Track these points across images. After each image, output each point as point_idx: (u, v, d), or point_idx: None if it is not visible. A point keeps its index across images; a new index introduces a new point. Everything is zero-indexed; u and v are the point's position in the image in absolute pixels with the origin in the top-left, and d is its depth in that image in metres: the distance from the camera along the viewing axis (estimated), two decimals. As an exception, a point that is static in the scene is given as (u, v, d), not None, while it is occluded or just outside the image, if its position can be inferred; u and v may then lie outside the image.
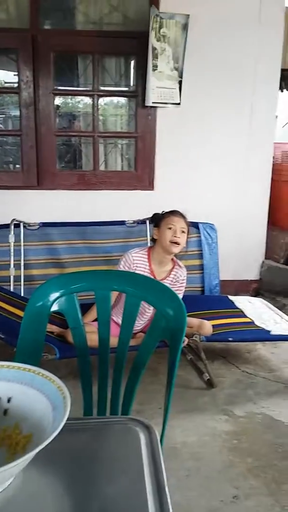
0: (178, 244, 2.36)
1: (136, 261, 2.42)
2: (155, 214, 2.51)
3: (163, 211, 2.49)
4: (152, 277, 2.44)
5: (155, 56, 3.23)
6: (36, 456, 0.67)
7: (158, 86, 3.31)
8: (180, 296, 2.52)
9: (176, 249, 2.38)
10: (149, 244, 3.18)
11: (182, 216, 2.43)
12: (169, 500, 0.68)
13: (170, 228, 2.36)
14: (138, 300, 1.31)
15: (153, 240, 2.50)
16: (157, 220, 2.45)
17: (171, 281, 2.49)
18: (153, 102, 3.34)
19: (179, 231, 2.36)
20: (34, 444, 0.71)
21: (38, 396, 0.80)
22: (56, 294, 1.28)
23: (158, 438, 0.82)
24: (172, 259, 2.51)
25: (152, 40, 3.20)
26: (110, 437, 0.84)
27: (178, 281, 2.50)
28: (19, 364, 0.85)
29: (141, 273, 2.43)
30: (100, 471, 0.76)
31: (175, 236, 2.35)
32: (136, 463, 0.76)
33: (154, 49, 3.22)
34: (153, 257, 2.46)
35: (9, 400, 0.83)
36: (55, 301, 1.28)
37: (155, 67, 3.25)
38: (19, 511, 0.69)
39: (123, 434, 0.85)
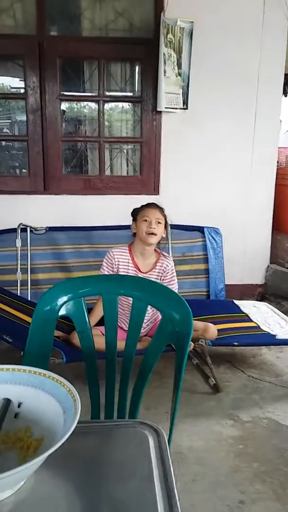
0: (154, 234, 2.41)
1: (117, 257, 2.48)
2: (134, 209, 2.55)
3: (141, 205, 2.53)
4: (136, 270, 2.48)
5: (164, 62, 3.26)
6: (47, 458, 0.68)
7: (166, 91, 3.33)
8: (176, 286, 2.53)
9: (153, 240, 2.43)
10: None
11: (157, 207, 2.49)
12: (178, 503, 0.69)
13: (145, 220, 2.42)
14: (144, 304, 1.32)
15: (134, 234, 2.53)
16: (135, 214, 2.51)
17: (158, 272, 2.52)
18: (165, 107, 3.36)
19: (154, 222, 2.41)
20: (45, 447, 0.72)
21: (48, 399, 0.80)
22: (64, 298, 1.29)
23: (166, 441, 0.83)
24: (156, 251, 2.54)
25: (161, 46, 3.23)
26: (119, 440, 0.85)
27: (167, 271, 2.52)
28: (30, 368, 0.86)
29: (125, 267, 2.47)
30: (110, 474, 0.77)
31: (150, 227, 2.40)
32: (146, 466, 0.77)
33: (163, 54, 3.25)
34: (134, 250, 2.50)
35: (19, 405, 0.84)
36: (63, 305, 1.29)
37: (164, 72, 3.28)
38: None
39: (132, 437, 0.86)
